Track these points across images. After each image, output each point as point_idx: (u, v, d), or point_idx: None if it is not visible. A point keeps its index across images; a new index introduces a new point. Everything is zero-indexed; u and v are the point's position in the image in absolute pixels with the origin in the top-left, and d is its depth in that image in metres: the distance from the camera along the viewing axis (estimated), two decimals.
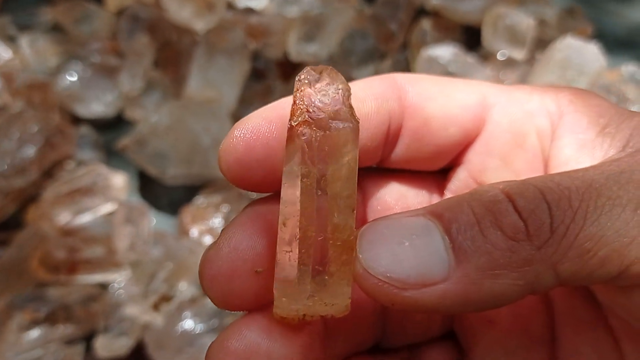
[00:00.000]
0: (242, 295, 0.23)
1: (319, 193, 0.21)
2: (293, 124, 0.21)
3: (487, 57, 0.70)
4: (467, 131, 0.26)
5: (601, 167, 0.20)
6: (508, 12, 0.69)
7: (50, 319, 0.50)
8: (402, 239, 0.19)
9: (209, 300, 0.57)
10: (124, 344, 0.50)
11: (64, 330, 0.50)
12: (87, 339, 0.53)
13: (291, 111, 0.22)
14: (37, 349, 0.50)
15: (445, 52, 0.64)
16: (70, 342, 0.51)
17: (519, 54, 0.69)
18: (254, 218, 0.23)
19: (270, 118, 0.22)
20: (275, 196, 0.23)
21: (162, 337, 0.50)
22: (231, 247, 0.23)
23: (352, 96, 0.22)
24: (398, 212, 0.21)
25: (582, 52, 0.68)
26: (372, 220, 0.20)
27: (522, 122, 0.26)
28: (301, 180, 0.21)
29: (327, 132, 0.21)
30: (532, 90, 0.26)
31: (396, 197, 0.26)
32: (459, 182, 0.26)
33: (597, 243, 0.19)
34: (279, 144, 0.22)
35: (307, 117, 0.21)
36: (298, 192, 0.21)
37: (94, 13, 0.71)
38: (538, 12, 0.72)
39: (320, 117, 0.21)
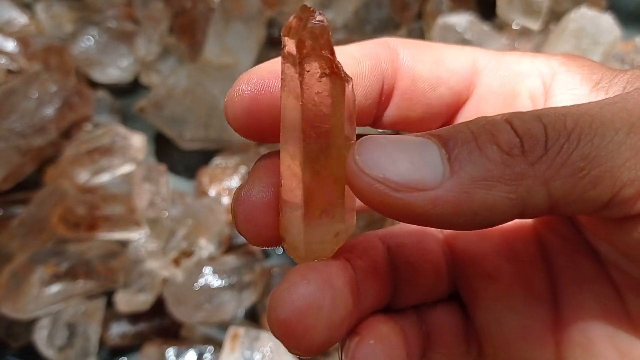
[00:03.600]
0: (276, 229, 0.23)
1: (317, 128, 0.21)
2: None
3: (502, 27, 0.70)
4: (456, 93, 0.26)
5: (595, 101, 0.21)
6: None
7: (71, 274, 0.50)
8: (400, 149, 0.20)
9: (229, 257, 0.57)
10: (144, 299, 0.51)
11: (84, 285, 0.50)
12: (108, 294, 0.53)
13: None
14: (59, 303, 0.50)
15: (461, 19, 0.64)
16: (91, 297, 0.52)
17: (534, 25, 0.69)
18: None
19: (275, 70, 0.23)
20: None
21: (182, 293, 0.51)
22: (262, 185, 0.23)
23: (349, 55, 0.23)
24: None
25: (596, 23, 0.68)
26: (371, 134, 0.21)
27: (513, 83, 0.26)
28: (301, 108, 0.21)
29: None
30: (522, 54, 0.27)
31: None
32: None
33: (590, 162, 0.19)
34: None
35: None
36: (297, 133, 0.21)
37: None
38: None
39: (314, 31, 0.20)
